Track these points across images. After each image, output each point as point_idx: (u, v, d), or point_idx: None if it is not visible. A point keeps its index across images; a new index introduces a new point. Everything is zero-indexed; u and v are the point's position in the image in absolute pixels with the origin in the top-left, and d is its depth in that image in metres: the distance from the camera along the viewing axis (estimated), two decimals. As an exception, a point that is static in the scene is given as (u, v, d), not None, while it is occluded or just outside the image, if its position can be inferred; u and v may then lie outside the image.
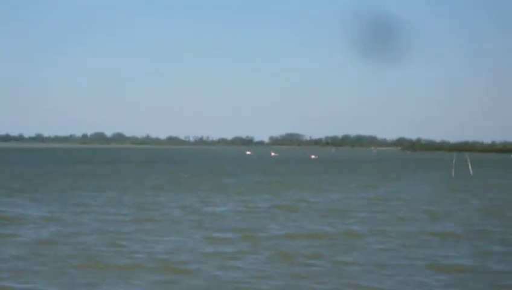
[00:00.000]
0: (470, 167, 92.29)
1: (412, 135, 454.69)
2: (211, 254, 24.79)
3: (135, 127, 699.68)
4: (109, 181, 64.33)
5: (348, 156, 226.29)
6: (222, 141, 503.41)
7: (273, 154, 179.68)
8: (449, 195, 52.58)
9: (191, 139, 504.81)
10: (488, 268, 22.86)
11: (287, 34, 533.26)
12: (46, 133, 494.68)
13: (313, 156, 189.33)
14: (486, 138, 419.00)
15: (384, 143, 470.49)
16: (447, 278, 21.35)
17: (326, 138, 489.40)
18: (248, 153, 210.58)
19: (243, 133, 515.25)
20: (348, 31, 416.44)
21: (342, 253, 25.31)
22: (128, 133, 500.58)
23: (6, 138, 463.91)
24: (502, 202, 47.58)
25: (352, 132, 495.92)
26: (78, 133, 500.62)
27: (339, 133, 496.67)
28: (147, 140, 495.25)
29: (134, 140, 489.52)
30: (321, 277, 21.26)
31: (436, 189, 59.70)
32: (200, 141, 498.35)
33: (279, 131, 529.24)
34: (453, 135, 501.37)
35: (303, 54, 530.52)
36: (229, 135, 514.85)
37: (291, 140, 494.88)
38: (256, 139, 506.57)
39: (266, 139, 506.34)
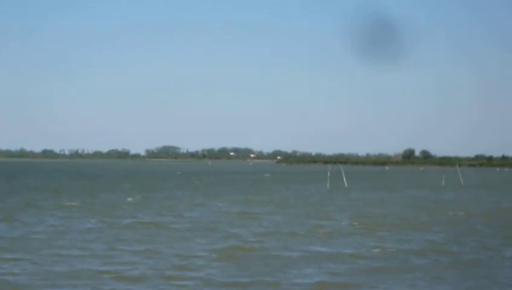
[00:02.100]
0: (344, 180, 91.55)
1: (287, 148, 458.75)
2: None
3: (10, 141, 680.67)
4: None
5: (223, 168, 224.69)
6: (98, 154, 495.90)
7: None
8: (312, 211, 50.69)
9: (66, 153, 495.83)
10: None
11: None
12: None
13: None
14: (361, 151, 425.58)
15: (260, 155, 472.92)
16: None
17: (203, 150, 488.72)
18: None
19: (119, 146, 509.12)
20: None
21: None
22: (2, 146, 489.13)
23: None
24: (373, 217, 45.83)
25: (229, 144, 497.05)
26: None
27: (216, 145, 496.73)
28: (22, 153, 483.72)
29: (8, 153, 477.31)
30: None
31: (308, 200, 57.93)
32: (76, 154, 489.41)
33: (155, 143, 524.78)
34: (328, 148, 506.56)
35: (182, 63, 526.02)
36: (105, 148, 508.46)
37: (167, 153, 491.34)
38: (133, 151, 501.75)
39: (142, 152, 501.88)
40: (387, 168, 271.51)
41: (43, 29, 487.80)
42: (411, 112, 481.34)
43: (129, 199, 58.07)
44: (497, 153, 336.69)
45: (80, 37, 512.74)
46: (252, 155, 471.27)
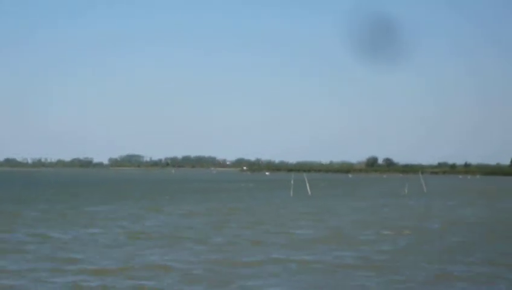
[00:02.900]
0: (308, 187, 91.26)
1: (251, 156, 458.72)
2: None
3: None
4: None
5: (187, 176, 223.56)
6: (60, 163, 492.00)
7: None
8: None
9: (29, 161, 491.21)
10: None
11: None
12: None
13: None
14: (325, 158, 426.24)
15: (224, 164, 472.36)
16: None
17: (166, 158, 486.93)
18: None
19: (82, 155, 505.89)
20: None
21: None
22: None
23: None
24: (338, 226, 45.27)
25: (192, 152, 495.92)
26: None
27: (179, 154, 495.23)
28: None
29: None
30: None
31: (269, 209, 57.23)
32: (39, 163, 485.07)
33: (119, 152, 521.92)
34: (292, 156, 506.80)
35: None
36: (67, 157, 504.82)
37: (131, 161, 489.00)
38: (96, 160, 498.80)
39: (105, 161, 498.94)
40: (350, 176, 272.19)
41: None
42: (374, 120, 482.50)
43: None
44: (459, 161, 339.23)
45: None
46: (227, 162, 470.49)
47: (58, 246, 32.21)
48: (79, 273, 24.54)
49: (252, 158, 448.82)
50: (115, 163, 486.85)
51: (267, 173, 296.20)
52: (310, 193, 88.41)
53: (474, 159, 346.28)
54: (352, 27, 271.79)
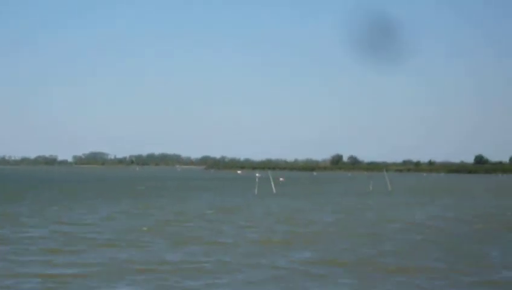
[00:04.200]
0: (272, 185, 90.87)
1: (216, 154, 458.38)
2: None
3: None
4: None
5: (152, 173, 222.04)
6: (25, 160, 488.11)
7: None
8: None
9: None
10: None
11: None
12: None
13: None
14: (290, 156, 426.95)
15: (189, 161, 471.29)
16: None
17: (131, 156, 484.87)
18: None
19: (46, 152, 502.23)
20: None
21: None
22: None
23: None
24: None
25: (157, 150, 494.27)
26: None
27: (144, 151, 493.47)
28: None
29: None
30: None
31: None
32: (3, 161, 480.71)
33: (82, 150, 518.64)
34: (256, 154, 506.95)
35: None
36: (32, 154, 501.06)
37: (95, 159, 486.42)
38: (60, 158, 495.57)
39: (70, 158, 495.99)
40: (315, 173, 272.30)
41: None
42: (340, 119, 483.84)
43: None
44: (424, 159, 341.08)
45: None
46: (192, 160, 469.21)
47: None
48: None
49: (217, 156, 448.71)
50: (79, 161, 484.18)
51: (238, 172, 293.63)
52: (274, 190, 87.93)
53: (438, 157, 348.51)
54: (352, 27, 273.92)
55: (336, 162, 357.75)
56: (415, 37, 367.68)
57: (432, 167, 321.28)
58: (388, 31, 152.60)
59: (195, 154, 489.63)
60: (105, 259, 27.23)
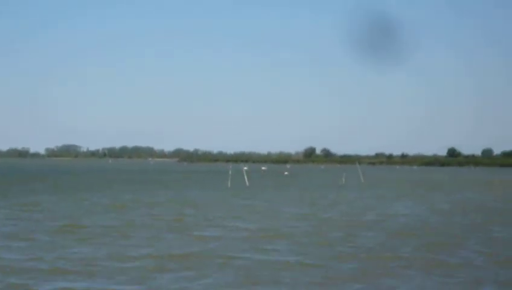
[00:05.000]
0: (246, 178, 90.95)
1: (189, 146, 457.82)
2: None
3: None
4: None
5: (124, 166, 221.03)
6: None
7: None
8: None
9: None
10: None
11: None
12: None
13: None
14: (263, 149, 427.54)
15: (162, 154, 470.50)
16: None
17: (104, 149, 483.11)
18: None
19: (18, 145, 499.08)
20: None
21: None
22: None
23: None
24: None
25: (130, 143, 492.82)
26: None
27: (117, 144, 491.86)
28: None
29: None
30: None
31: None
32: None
33: (55, 142, 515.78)
34: (229, 146, 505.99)
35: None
36: (3, 147, 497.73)
37: (68, 151, 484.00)
38: (32, 150, 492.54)
39: (42, 151, 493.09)
40: (288, 166, 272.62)
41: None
42: (312, 112, 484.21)
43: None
44: (397, 152, 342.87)
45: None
46: (165, 153, 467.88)
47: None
48: None
49: (191, 148, 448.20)
50: (52, 153, 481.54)
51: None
52: (247, 183, 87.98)
53: (411, 150, 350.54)
54: (352, 27, 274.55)
55: (309, 155, 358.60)
56: (415, 36, 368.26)
57: (404, 159, 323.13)
58: (388, 31, 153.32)
59: (169, 147, 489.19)
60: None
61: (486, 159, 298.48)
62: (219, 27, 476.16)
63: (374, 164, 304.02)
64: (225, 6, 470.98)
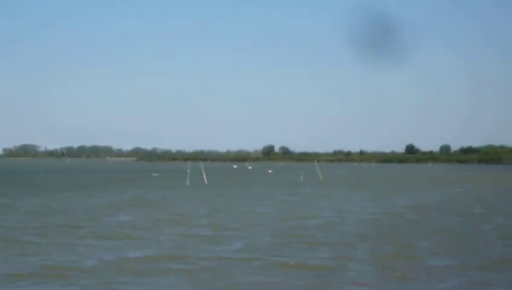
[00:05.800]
0: (204, 176, 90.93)
1: (147, 145, 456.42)
2: None
3: None
4: None
5: (83, 166, 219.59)
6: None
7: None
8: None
9: None
10: None
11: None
12: None
13: None
14: (222, 147, 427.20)
15: (120, 153, 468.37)
16: None
17: (62, 148, 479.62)
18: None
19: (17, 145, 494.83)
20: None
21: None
22: None
23: None
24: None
25: (88, 142, 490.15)
26: None
27: (75, 144, 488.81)
28: None
29: None
30: None
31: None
32: None
33: (13, 142, 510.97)
34: (189, 145, 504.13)
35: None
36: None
37: (26, 151, 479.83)
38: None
39: (0, 151, 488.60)
40: (247, 164, 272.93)
41: None
42: (271, 110, 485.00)
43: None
44: (355, 149, 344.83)
45: None
46: (123, 152, 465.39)
47: None
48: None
49: (149, 147, 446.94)
50: (9, 153, 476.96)
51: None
52: (206, 181, 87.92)
53: (369, 147, 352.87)
54: (352, 27, 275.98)
55: (268, 152, 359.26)
56: (415, 36, 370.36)
57: (362, 156, 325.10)
58: (388, 31, 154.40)
59: (127, 146, 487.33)
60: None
61: (444, 155, 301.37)
62: (219, 27, 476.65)
63: (332, 161, 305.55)
64: (225, 6, 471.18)
